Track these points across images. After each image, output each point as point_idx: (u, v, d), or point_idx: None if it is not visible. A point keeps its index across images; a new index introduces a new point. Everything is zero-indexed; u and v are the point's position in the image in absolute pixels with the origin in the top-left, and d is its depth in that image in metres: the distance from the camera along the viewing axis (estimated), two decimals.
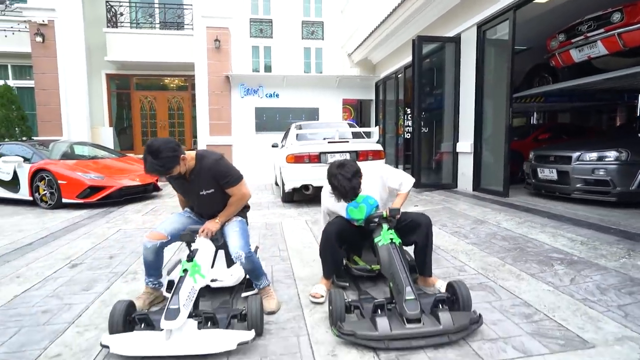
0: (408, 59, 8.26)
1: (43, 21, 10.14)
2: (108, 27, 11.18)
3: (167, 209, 6.07)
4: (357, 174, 2.38)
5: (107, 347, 1.86)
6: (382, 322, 1.92)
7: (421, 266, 2.60)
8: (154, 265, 2.42)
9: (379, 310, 2.04)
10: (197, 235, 2.31)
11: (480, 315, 2.06)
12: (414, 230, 2.54)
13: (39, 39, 10.12)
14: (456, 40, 7.09)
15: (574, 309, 2.29)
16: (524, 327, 2.11)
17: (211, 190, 2.41)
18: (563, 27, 5.86)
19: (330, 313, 2.13)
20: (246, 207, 2.73)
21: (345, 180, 2.33)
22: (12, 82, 10.79)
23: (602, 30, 5.07)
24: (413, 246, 2.63)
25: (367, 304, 2.13)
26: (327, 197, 2.70)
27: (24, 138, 9.29)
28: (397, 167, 10.56)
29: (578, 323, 2.12)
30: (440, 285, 2.54)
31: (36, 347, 2.02)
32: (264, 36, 14.31)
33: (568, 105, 8.96)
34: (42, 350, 2.00)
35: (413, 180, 2.75)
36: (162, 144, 2.14)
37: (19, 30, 10.46)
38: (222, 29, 11.17)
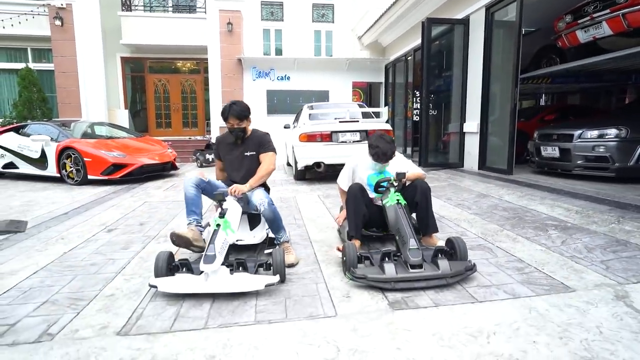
0: (418, 41, 8.37)
1: (62, 5, 10.42)
2: (122, 10, 11.42)
3: None
4: (393, 143, 2.97)
5: (155, 286, 2.18)
6: (389, 267, 2.23)
7: (423, 225, 2.90)
8: (195, 202, 2.80)
9: (387, 258, 2.34)
10: (228, 194, 2.65)
11: (474, 264, 2.35)
12: (414, 194, 2.88)
13: (57, 22, 10.42)
14: (465, 22, 7.21)
15: (561, 263, 2.57)
16: (515, 277, 2.39)
17: (253, 152, 3.05)
18: (570, 8, 5.96)
19: (344, 263, 2.43)
20: (268, 189, 3.22)
21: (385, 144, 2.89)
22: (31, 65, 11.09)
23: (607, 10, 5.18)
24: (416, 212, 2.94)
25: (376, 255, 2.44)
26: (359, 159, 3.16)
27: (45, 119, 9.65)
28: (405, 149, 10.78)
29: (564, 274, 2.40)
30: (441, 244, 2.83)
31: (92, 289, 2.36)
32: (275, 19, 14.37)
33: (576, 86, 9.02)
34: (98, 291, 2.34)
35: (424, 174, 3.19)
36: (239, 100, 3.02)
37: (39, 14, 10.74)
38: (234, 12, 11.34)
